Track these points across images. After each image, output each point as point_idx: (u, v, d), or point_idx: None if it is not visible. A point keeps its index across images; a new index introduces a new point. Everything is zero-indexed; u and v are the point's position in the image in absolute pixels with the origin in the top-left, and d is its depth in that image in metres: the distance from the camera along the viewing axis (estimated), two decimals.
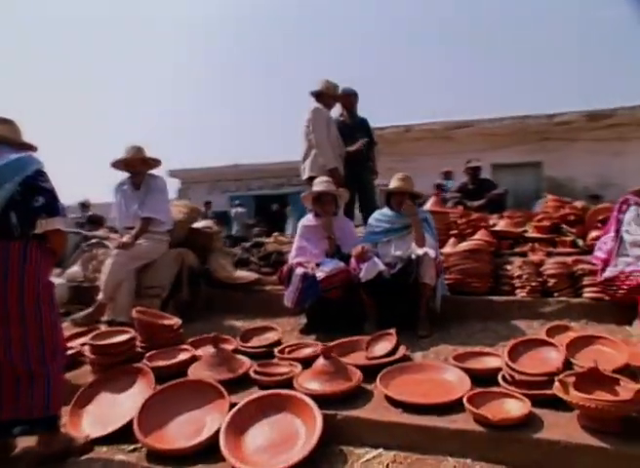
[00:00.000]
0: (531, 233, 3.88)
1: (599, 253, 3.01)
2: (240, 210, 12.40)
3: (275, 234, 5.51)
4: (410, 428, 2.07)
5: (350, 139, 4.89)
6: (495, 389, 2.18)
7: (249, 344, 3.06)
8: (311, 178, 4.64)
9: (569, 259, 3.30)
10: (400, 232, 3.44)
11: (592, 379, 1.95)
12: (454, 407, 2.11)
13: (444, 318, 3.27)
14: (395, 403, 2.20)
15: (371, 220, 3.60)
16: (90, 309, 3.46)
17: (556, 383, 1.96)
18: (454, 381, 2.30)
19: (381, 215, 3.56)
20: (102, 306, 3.46)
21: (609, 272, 2.89)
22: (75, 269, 4.40)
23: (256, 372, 2.53)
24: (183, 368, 2.63)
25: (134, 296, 3.49)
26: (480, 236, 3.73)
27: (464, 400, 2.06)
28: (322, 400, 2.20)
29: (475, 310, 3.29)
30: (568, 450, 1.84)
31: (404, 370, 2.46)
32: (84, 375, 2.83)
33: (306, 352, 2.87)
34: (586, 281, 3.11)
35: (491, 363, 2.46)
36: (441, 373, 2.39)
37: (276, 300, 3.80)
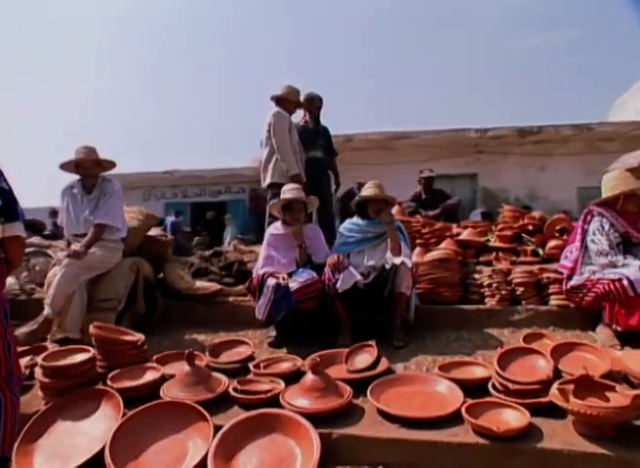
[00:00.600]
0: (494, 242, 3.99)
1: (565, 262, 3.13)
2: (176, 217, 11.90)
3: (234, 243, 5.28)
4: (409, 444, 2.00)
5: (311, 145, 4.80)
6: (489, 399, 2.17)
7: (220, 360, 2.86)
8: (273, 185, 4.50)
9: (534, 268, 3.42)
10: (373, 241, 3.40)
11: (584, 386, 1.98)
12: (451, 419, 2.06)
13: (417, 328, 3.26)
14: (391, 417, 2.12)
15: (342, 230, 3.53)
16: (34, 325, 3.10)
17: (554, 391, 1.97)
18: (446, 393, 2.26)
19: (353, 225, 3.50)
20: (49, 322, 3.11)
21: (575, 280, 3.00)
22: (10, 280, 3.94)
23: (236, 391, 2.35)
24: (154, 388, 2.40)
25: (85, 310, 3.16)
26: (446, 245, 3.78)
27: (464, 412, 2.02)
28: (314, 418, 2.08)
29: (447, 319, 3.31)
30: (571, 459, 1.85)
31: (393, 383, 2.39)
32: (32, 403, 2.49)
33: (284, 367, 2.74)
34: (552, 289, 3.23)
35: (477, 372, 2.46)
36: (432, 385, 2.34)
37: (240, 312, 3.64)
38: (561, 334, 3.03)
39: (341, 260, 3.13)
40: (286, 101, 4.63)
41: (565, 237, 3.72)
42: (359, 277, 3.10)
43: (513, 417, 2.00)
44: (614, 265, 2.80)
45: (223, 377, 2.50)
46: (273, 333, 3.29)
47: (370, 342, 2.81)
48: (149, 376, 2.50)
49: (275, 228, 3.56)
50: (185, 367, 2.42)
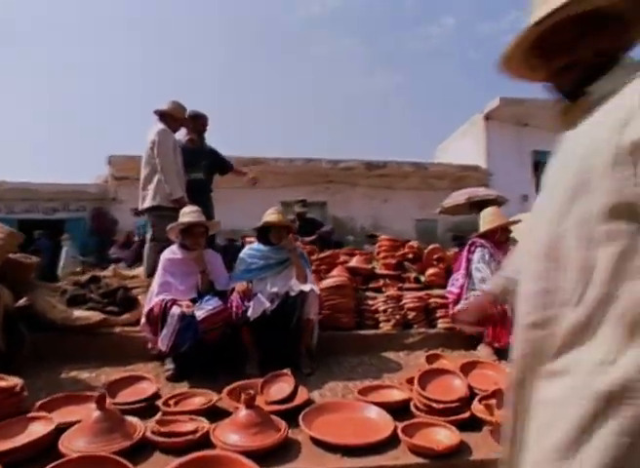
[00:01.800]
0: (379, 270, 4.24)
1: (452, 289, 3.49)
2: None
3: (113, 266, 4.69)
4: None
5: (193, 167, 4.57)
6: (420, 420, 2.28)
7: (119, 399, 2.51)
8: (155, 208, 4.16)
9: (422, 294, 3.73)
10: (276, 268, 3.36)
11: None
12: (388, 442, 2.13)
13: (319, 354, 3.29)
14: (330, 447, 2.10)
15: (243, 256, 3.41)
16: None
17: (480, 406, 2.17)
18: (376, 418, 2.32)
19: (255, 251, 3.42)
20: None
21: (461, 305, 3.36)
22: None
23: (156, 434, 2.09)
24: (47, 444, 1.99)
25: None
26: (338, 272, 3.91)
27: (401, 435, 2.10)
28: (253, 456, 1.95)
29: (348, 345, 3.40)
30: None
31: (321, 412, 2.37)
32: None
33: (198, 402, 2.52)
34: (439, 313, 3.57)
35: (395, 395, 2.58)
36: (360, 412, 2.38)
37: (128, 344, 3.26)
38: (450, 354, 3.34)
39: (250, 287, 3.05)
40: (171, 118, 4.37)
41: (441, 265, 4.15)
42: (268, 304, 3.05)
43: (444, 435, 2.15)
44: None
45: (137, 420, 2.20)
46: (171, 366, 3.00)
47: (285, 371, 2.76)
48: (39, 429, 2.06)
49: (172, 252, 3.30)
50: (94, 412, 2.06)
